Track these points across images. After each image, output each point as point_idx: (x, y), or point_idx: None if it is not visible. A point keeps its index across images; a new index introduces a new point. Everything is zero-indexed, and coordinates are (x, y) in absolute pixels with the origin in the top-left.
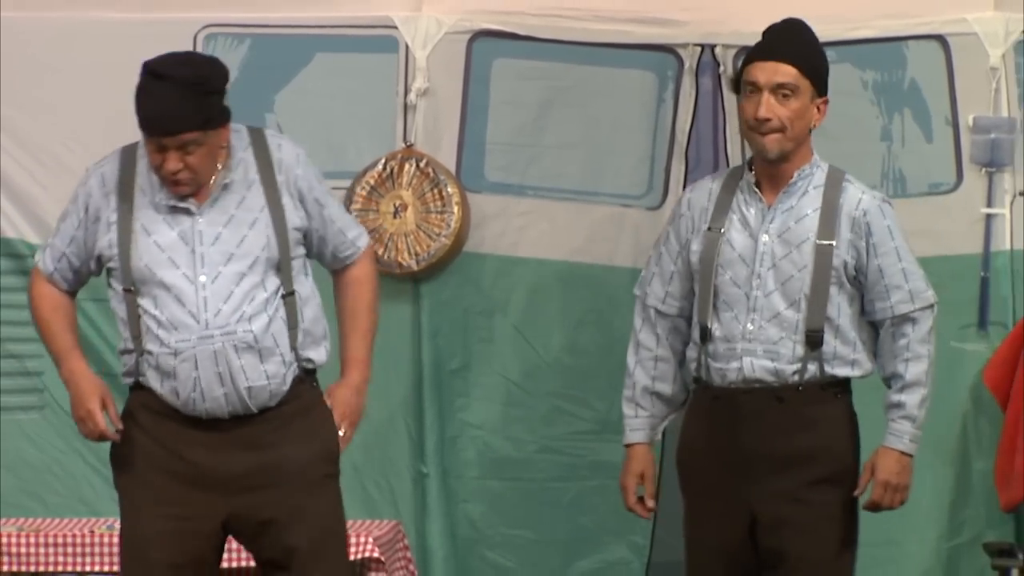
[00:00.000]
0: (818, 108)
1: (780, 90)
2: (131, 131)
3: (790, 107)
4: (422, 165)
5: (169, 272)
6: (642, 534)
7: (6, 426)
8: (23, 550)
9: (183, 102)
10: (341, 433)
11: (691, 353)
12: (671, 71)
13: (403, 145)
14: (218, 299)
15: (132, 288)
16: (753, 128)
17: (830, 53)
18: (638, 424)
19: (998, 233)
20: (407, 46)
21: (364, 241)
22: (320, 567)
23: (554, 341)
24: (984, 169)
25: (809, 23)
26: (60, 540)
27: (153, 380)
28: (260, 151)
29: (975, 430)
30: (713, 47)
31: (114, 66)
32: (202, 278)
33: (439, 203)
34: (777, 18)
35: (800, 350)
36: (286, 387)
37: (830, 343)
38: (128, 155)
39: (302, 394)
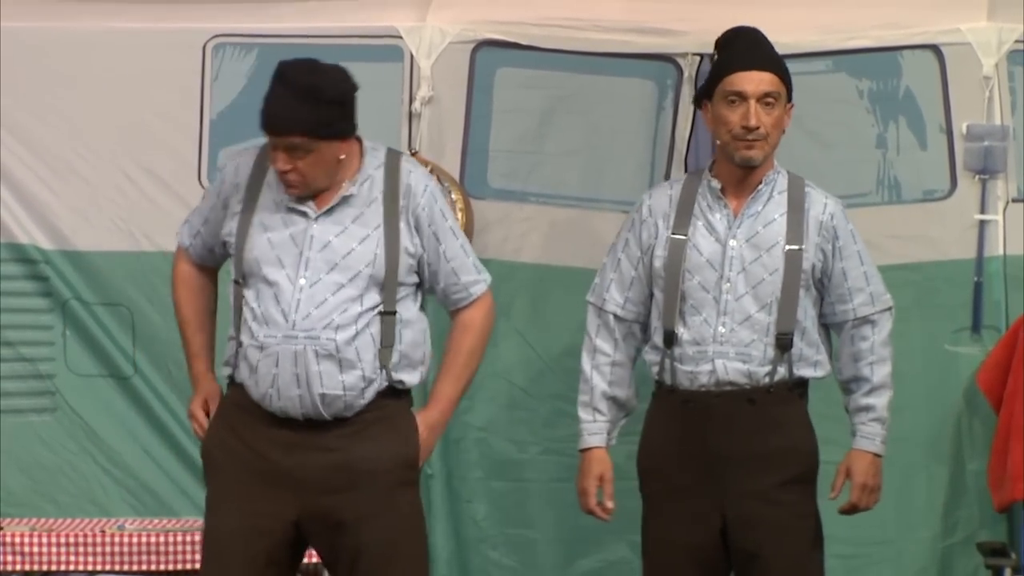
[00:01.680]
0: (787, 114)
1: (765, 98)
2: (142, 138)
3: (773, 115)
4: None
5: (274, 269)
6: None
7: (18, 428)
8: (35, 549)
9: (294, 106)
10: None
11: (652, 357)
12: (670, 80)
13: (408, 152)
14: (311, 303)
15: (240, 280)
16: (739, 137)
17: (827, 62)
18: (596, 428)
19: (991, 239)
20: (412, 56)
21: (479, 289)
22: (387, 574)
23: (556, 344)
24: (977, 176)
25: (806, 33)
26: (71, 540)
27: (243, 371)
28: (391, 173)
29: (969, 432)
30: (712, 56)
31: (125, 75)
32: (302, 280)
33: None
34: (775, 27)
35: (771, 352)
36: (364, 401)
37: (798, 345)
38: (264, 150)
39: (386, 406)
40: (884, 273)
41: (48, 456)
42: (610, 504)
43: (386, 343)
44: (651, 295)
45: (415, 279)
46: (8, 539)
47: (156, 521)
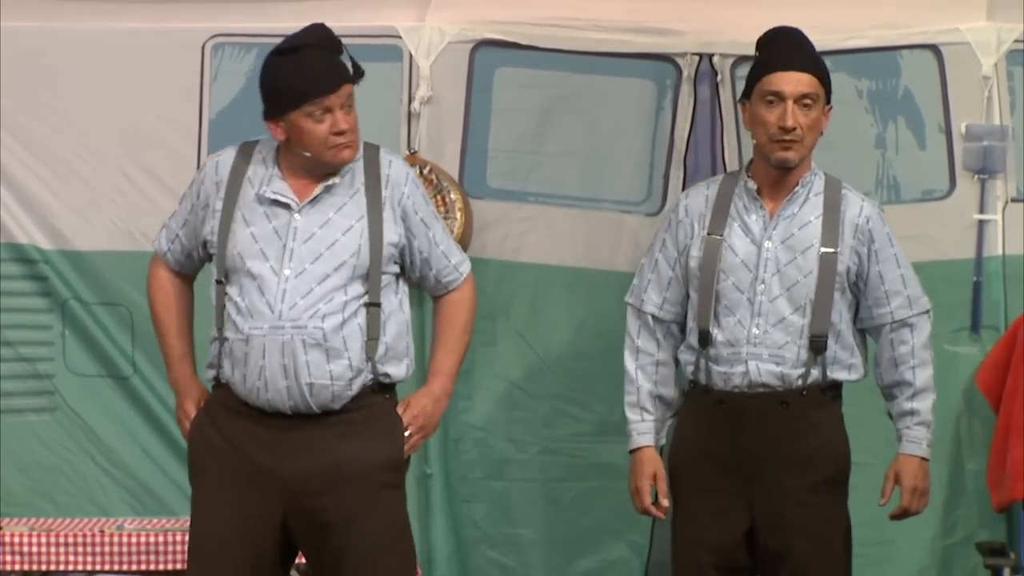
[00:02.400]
0: (825, 115)
1: (803, 99)
2: (141, 138)
3: (810, 116)
4: (426, 172)
5: (258, 263)
6: (641, 533)
7: (18, 427)
8: (34, 549)
9: (331, 59)
10: (407, 433)
11: (687, 357)
12: (670, 79)
13: (407, 152)
14: (297, 293)
15: (223, 279)
16: (775, 138)
17: (826, 62)
18: (644, 428)
19: (990, 238)
20: (411, 55)
21: (466, 267)
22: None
23: (555, 344)
24: (976, 176)
25: (805, 33)
26: (70, 540)
27: (227, 368)
28: (371, 164)
29: (968, 431)
30: (711, 56)
31: (124, 75)
32: (287, 271)
33: (442, 209)
34: (774, 26)
35: (804, 354)
36: (351, 392)
37: (832, 348)
38: (245, 148)
39: (373, 404)
40: None
41: (47, 456)
42: (665, 502)
43: (372, 335)
44: (688, 295)
45: (395, 269)
46: (7, 539)
47: (155, 521)
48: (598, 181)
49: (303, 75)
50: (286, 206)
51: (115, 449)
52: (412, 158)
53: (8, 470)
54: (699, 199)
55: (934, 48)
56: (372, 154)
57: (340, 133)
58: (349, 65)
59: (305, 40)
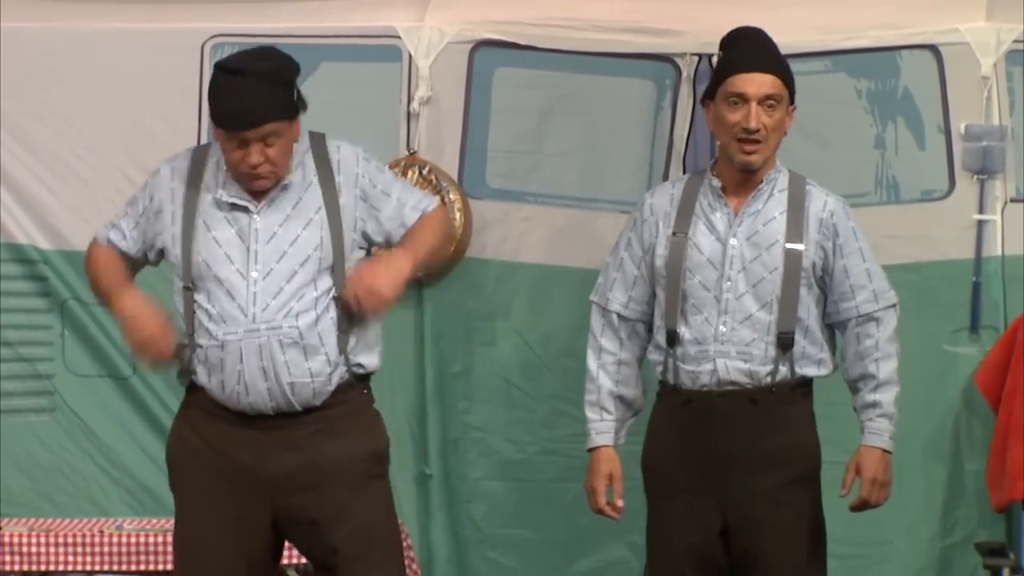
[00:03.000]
0: (789, 115)
1: (767, 100)
2: (140, 138)
3: (774, 117)
4: (425, 172)
5: (224, 268)
6: (640, 534)
7: (17, 428)
8: (33, 549)
9: (262, 94)
10: (358, 292)
11: (656, 357)
12: (669, 80)
13: (406, 152)
14: (267, 295)
15: (190, 285)
16: (740, 139)
17: (825, 62)
18: (604, 428)
19: (989, 239)
20: (410, 56)
21: (434, 202)
22: (363, 568)
23: (554, 344)
24: (976, 176)
25: (804, 33)
26: (69, 540)
27: (202, 375)
28: (319, 154)
29: (967, 432)
30: (710, 56)
31: (124, 75)
32: (254, 274)
33: None
34: (774, 27)
35: (772, 351)
36: (331, 387)
37: (800, 343)
38: (199, 153)
39: (351, 399)
40: None
41: (46, 456)
42: (620, 503)
43: (342, 328)
44: (654, 294)
45: (359, 254)
46: (7, 539)
47: (154, 521)
48: (597, 181)
49: (228, 103)
50: (244, 209)
51: (114, 449)
52: (411, 158)
53: (8, 470)
54: (664, 198)
55: (933, 48)
56: (319, 144)
57: (252, 167)
58: (292, 98)
59: (250, 66)
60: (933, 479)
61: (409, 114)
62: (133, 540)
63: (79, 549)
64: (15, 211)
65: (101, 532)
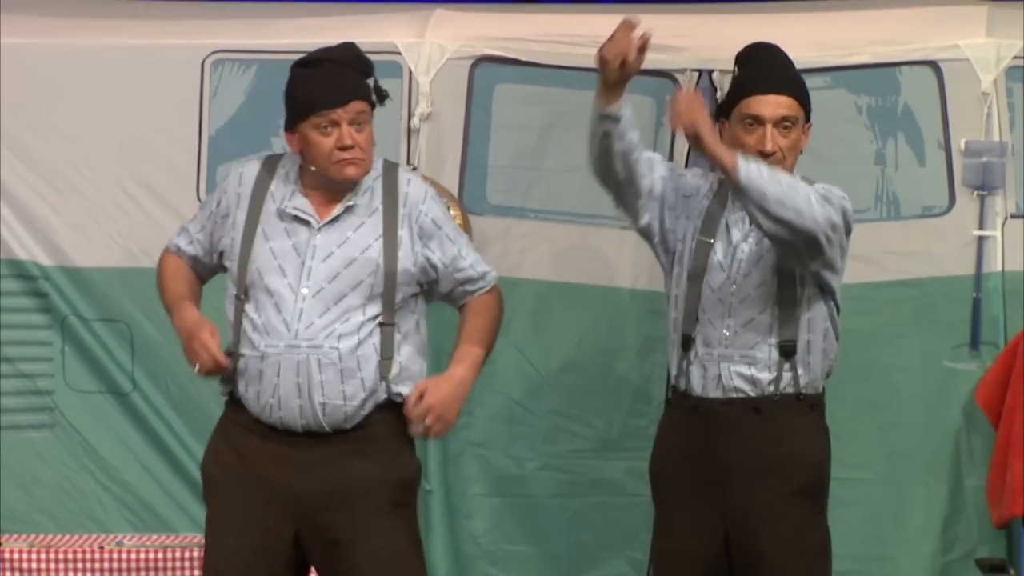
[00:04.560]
0: (805, 134)
1: (783, 122)
2: (141, 154)
3: (790, 138)
4: None
5: (276, 279)
6: (641, 550)
7: (17, 444)
8: (33, 566)
9: (348, 76)
10: (428, 422)
11: (670, 359)
12: (669, 96)
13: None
14: (313, 312)
15: (242, 295)
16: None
17: (825, 78)
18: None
19: (990, 255)
20: (411, 71)
21: (493, 276)
22: None
23: (555, 361)
24: (976, 192)
25: (804, 49)
26: (70, 556)
27: (240, 385)
28: (389, 183)
29: (968, 448)
30: (710, 72)
31: (124, 91)
32: (304, 290)
33: None
34: (775, 43)
35: (775, 355)
36: (364, 412)
37: (802, 352)
38: (270, 161)
39: (383, 422)
40: (883, 289)
41: (47, 472)
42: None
43: (386, 355)
44: (651, 194)
45: (415, 289)
46: (7, 555)
47: (155, 537)
48: (598, 197)
49: (315, 87)
50: (306, 223)
51: (114, 465)
52: None
53: (8, 486)
54: (705, 186)
55: (933, 64)
56: (391, 173)
57: (345, 148)
58: (371, 86)
59: (329, 55)
60: (933, 495)
61: (409, 130)
62: (133, 556)
63: (79, 565)
64: (15, 227)
65: (101, 548)
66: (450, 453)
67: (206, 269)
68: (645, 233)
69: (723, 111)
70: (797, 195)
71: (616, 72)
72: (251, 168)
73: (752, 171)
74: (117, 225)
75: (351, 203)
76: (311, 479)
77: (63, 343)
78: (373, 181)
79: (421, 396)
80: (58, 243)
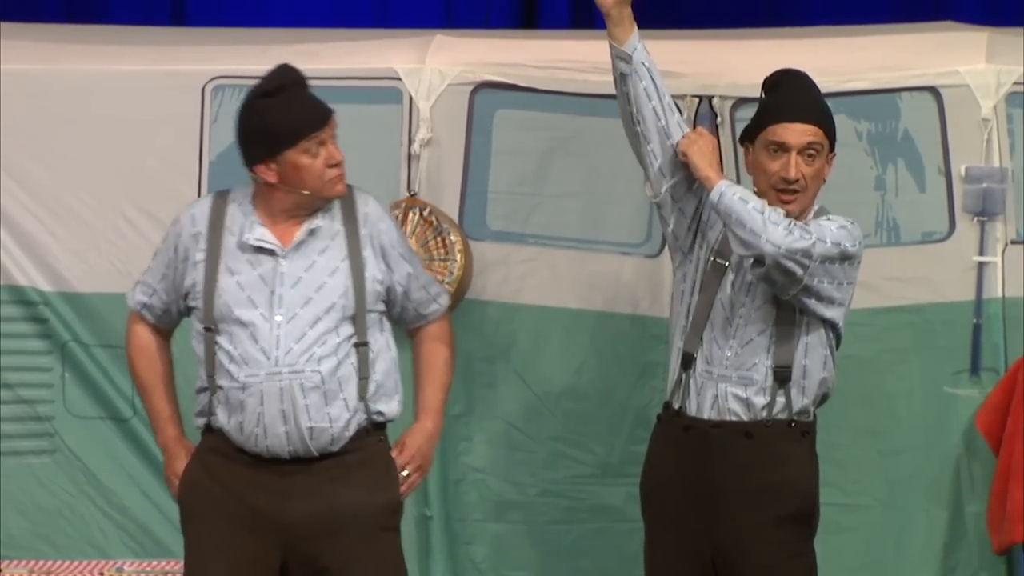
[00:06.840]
0: (828, 163)
1: (807, 150)
2: (141, 180)
3: (814, 166)
4: (425, 214)
5: (246, 311)
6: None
7: (17, 469)
8: None
9: (313, 95)
10: (404, 473)
11: (668, 376)
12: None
13: (407, 194)
14: (291, 339)
15: (212, 328)
16: (778, 188)
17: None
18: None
19: (990, 281)
20: (411, 97)
21: (445, 300)
22: None
23: (555, 386)
24: (976, 218)
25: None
26: None
27: (221, 416)
28: (347, 204)
29: (968, 474)
30: (711, 98)
31: (124, 117)
32: (278, 317)
33: (442, 251)
34: (774, 69)
35: (771, 379)
36: (349, 433)
37: (797, 378)
38: (219, 198)
39: (367, 446)
40: (883, 315)
41: (47, 498)
42: None
43: (363, 374)
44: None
45: (380, 307)
46: None
47: (155, 563)
48: (598, 223)
49: (296, 112)
50: (270, 252)
51: (115, 491)
52: (412, 200)
53: (8, 512)
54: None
55: (933, 90)
56: (348, 194)
57: (335, 165)
58: None
59: (285, 80)
60: (934, 521)
61: (410, 156)
62: None
63: None
64: (15, 253)
65: (101, 574)
66: (450, 479)
67: (172, 321)
68: (658, 204)
69: (748, 136)
70: (756, 218)
71: (613, 4)
72: (202, 206)
73: (725, 192)
74: (117, 251)
75: (313, 226)
76: (300, 507)
77: (63, 369)
78: (331, 203)
79: (400, 451)
80: (58, 269)
